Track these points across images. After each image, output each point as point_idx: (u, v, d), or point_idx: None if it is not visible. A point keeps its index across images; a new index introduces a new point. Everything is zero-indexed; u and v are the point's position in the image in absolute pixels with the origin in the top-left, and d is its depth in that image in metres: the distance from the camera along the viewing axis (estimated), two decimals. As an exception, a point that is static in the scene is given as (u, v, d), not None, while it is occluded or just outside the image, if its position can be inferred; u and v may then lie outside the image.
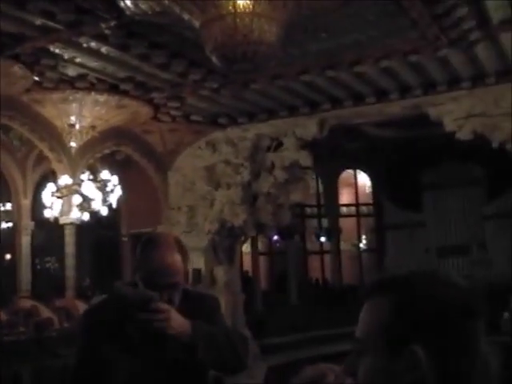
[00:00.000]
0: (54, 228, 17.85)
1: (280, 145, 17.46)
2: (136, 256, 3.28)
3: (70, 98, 14.32)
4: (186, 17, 9.85)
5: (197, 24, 9.70)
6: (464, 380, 1.37)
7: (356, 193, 29.39)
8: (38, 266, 22.91)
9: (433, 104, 15.99)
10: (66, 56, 12.32)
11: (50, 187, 16.32)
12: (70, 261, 16.62)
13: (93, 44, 11.70)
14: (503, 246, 24.72)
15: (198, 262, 17.52)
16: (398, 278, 1.46)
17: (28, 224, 20.03)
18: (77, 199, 15.99)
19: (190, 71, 13.42)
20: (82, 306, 14.79)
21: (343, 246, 28.34)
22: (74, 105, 14.53)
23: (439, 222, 26.42)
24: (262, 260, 25.99)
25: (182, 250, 3.27)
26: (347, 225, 28.52)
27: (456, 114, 15.91)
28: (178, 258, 3.19)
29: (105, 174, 16.94)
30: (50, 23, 10.65)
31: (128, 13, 10.25)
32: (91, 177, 16.81)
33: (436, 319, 1.36)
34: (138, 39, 11.69)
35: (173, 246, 3.23)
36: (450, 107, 15.89)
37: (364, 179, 29.55)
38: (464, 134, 16.22)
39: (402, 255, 25.91)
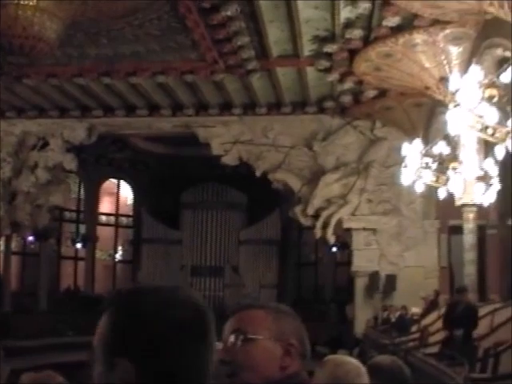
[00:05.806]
0: None
1: (46, 145, 17.16)
2: None
3: None
4: (-35, -2, 9.52)
5: (-24, 8, 9.40)
6: None
7: (117, 203, 29.29)
8: None
9: (203, 125, 16.38)
10: None
11: None
12: None
13: None
14: (253, 270, 25.75)
15: None
16: (122, 292, 1.46)
17: None
18: None
19: (-39, 56, 12.91)
20: None
21: (99, 254, 28.12)
22: None
23: (196, 242, 26.89)
24: (15, 260, 25.17)
25: None
26: (105, 234, 28.32)
27: (224, 138, 16.40)
28: None
29: None
30: None
31: None
32: None
33: (154, 336, 1.36)
34: None
35: None
36: (219, 131, 16.35)
37: (127, 190, 29.53)
38: (230, 159, 16.76)
39: (156, 270, 26.16)
